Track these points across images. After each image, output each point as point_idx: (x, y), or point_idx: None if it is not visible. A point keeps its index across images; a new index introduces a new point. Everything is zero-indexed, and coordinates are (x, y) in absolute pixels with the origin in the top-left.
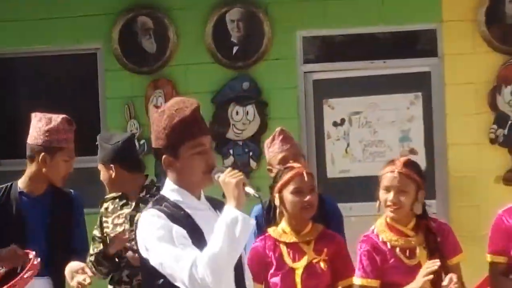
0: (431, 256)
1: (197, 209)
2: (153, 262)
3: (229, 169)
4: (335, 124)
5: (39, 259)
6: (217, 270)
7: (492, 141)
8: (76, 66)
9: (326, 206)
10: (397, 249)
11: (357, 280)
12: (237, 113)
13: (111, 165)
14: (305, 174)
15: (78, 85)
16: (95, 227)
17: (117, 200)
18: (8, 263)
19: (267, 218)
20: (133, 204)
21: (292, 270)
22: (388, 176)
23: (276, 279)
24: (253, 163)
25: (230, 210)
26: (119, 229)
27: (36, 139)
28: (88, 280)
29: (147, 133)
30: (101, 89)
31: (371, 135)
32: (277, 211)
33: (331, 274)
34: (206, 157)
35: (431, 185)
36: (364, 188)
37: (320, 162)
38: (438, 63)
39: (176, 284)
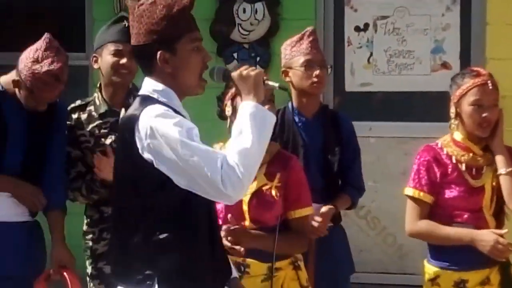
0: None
1: (183, 115)
2: (167, 167)
3: (242, 64)
4: (357, 29)
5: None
6: (250, 166)
7: None
8: None
9: (341, 128)
10: (463, 165)
11: (408, 190)
12: (244, 10)
13: None
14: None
15: None
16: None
17: (90, 107)
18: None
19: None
20: (122, 111)
21: None
22: (481, 89)
23: (220, 206)
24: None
25: (251, 104)
26: (105, 141)
27: (20, 66)
28: None
29: None
30: None
31: (399, 44)
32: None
33: (283, 203)
34: (203, 54)
35: None
36: (387, 105)
37: (338, 73)
38: None
39: (197, 192)
